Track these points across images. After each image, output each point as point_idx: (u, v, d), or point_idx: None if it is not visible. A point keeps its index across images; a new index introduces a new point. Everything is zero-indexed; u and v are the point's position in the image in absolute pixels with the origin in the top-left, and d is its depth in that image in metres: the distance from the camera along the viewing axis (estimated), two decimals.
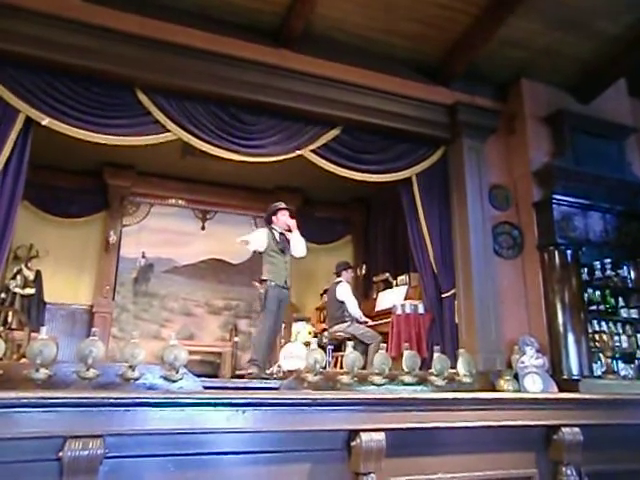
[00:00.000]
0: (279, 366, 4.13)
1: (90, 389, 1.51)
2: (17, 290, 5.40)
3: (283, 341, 5.14)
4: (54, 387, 1.50)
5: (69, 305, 5.77)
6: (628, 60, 4.54)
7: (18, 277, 5.48)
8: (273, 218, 4.06)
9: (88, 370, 1.55)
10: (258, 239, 3.96)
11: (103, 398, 1.30)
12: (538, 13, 4.02)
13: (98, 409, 1.29)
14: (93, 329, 1.70)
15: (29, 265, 5.60)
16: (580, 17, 4.10)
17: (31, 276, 5.54)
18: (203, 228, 6.53)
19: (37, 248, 5.67)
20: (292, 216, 4.06)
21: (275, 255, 3.90)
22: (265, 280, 3.83)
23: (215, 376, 5.33)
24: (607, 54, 4.48)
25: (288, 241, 3.98)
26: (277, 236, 3.98)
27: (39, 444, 1.26)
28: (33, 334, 4.26)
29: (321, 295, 5.96)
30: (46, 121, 3.53)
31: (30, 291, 5.48)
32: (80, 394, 1.32)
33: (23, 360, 3.16)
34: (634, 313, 4.51)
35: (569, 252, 4.33)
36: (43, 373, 1.52)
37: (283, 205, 4.11)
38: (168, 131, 3.84)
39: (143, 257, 6.18)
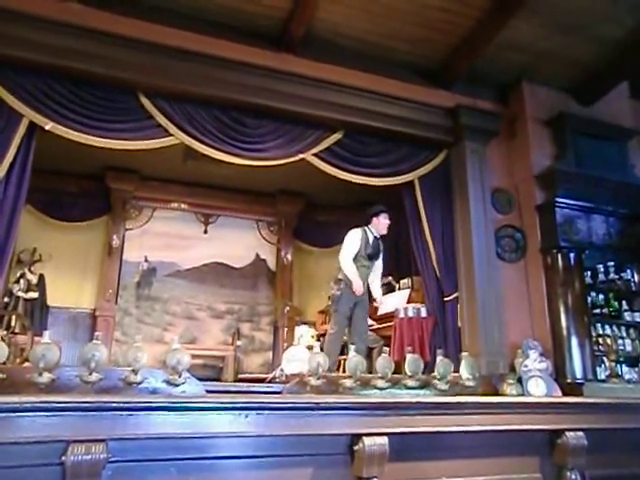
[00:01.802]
0: (282, 370, 4.27)
1: (93, 393, 1.51)
2: (20, 294, 5.43)
3: (286, 344, 5.14)
4: (57, 391, 1.51)
5: (72, 309, 5.79)
6: (630, 63, 4.54)
7: (21, 281, 5.51)
8: (373, 219, 4.01)
9: (91, 374, 1.56)
10: (353, 243, 3.90)
11: (106, 402, 1.30)
12: (540, 16, 4.03)
13: (101, 413, 1.29)
14: (96, 333, 1.71)
15: (32, 269, 5.63)
16: (582, 20, 4.11)
17: (34, 280, 5.57)
18: (205, 232, 6.55)
19: (40, 252, 5.69)
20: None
21: (360, 259, 3.85)
22: (341, 280, 3.80)
23: (218, 380, 5.32)
24: (609, 57, 4.49)
25: (379, 248, 3.94)
26: (370, 239, 3.94)
27: (42, 448, 1.26)
28: (36, 338, 4.22)
29: (328, 298, 5.89)
30: (49, 125, 3.55)
31: (33, 295, 5.51)
32: (83, 398, 1.31)
33: (26, 364, 3.19)
34: (638, 316, 4.50)
35: (572, 255, 4.31)
36: (46, 377, 1.52)
37: (386, 210, 4.07)
38: (170, 135, 3.86)
39: (146, 261, 6.19)
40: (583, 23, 4.13)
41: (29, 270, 5.58)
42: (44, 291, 5.61)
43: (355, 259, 3.84)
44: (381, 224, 3.98)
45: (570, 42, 4.33)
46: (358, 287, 3.80)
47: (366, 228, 4.01)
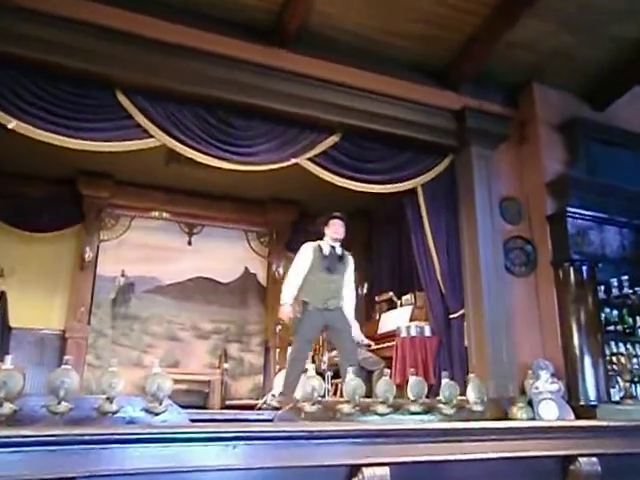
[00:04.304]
0: (273, 395, 4.19)
1: (62, 425, 1.49)
2: None
3: (278, 367, 5.11)
4: (20, 424, 1.49)
5: (38, 330, 5.66)
6: None
7: None
8: (325, 228, 3.91)
9: (60, 404, 1.53)
10: (299, 260, 3.84)
11: (76, 435, 1.28)
12: (551, 14, 4.09)
13: (71, 447, 1.26)
14: (66, 357, 1.70)
15: None
16: (595, 19, 4.17)
17: None
18: (190, 243, 6.51)
19: (1, 266, 5.55)
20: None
21: (315, 272, 3.76)
22: (305, 302, 3.75)
23: (203, 407, 5.28)
24: (624, 58, 4.57)
25: (340, 258, 3.82)
26: (326, 251, 3.84)
27: None
28: None
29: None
30: (13, 124, 3.45)
31: None
32: (50, 431, 1.30)
33: None
34: None
35: (585, 268, 4.35)
36: (8, 408, 1.50)
37: (340, 215, 3.98)
38: (151, 136, 3.83)
39: (123, 276, 6.13)
40: (597, 21, 4.20)
41: None
42: (5, 311, 5.44)
43: (312, 275, 3.77)
44: (332, 230, 3.87)
45: (583, 41, 4.40)
46: (281, 312, 3.75)
47: (320, 241, 3.93)
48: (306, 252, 3.88)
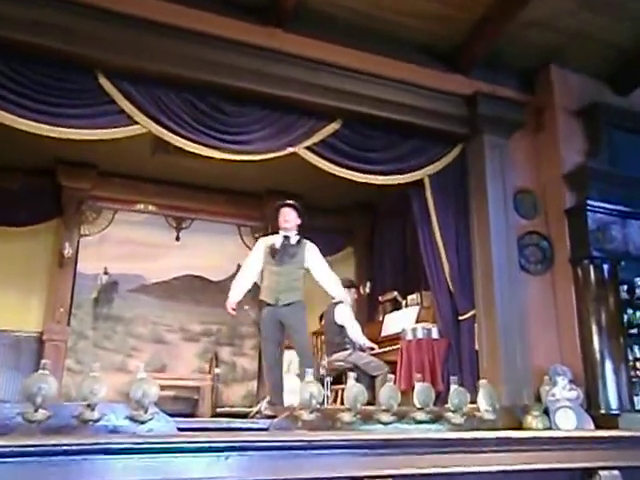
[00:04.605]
0: (268, 402, 4.10)
1: (39, 434, 1.48)
2: None
3: None
4: None
5: (13, 332, 5.66)
6: None
7: None
8: (279, 220, 3.96)
9: (37, 411, 1.53)
10: (251, 255, 3.97)
11: (55, 445, 1.28)
12: None
13: (49, 459, 1.26)
14: (43, 361, 1.68)
15: None
16: None
17: None
18: (178, 239, 6.52)
19: None
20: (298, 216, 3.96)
21: (267, 266, 3.86)
22: (262, 301, 3.85)
23: (192, 415, 5.28)
24: None
25: (296, 248, 3.85)
26: (278, 242, 3.89)
27: None
28: None
29: (319, 319, 5.96)
30: None
31: None
32: (26, 441, 1.29)
33: None
34: None
35: (606, 267, 4.36)
36: None
37: (288, 202, 4.00)
38: (136, 123, 3.83)
39: (105, 273, 6.12)
40: None
41: None
42: None
43: (265, 270, 3.88)
44: (281, 219, 3.93)
45: (605, 21, 4.39)
46: (227, 303, 3.91)
47: (276, 234, 4.02)
48: (256, 247, 4.02)
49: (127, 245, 6.21)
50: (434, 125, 4.52)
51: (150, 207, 6.42)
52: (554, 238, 4.61)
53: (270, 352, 3.80)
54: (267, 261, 3.86)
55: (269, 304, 3.77)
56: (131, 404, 1.65)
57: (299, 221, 3.97)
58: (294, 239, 3.91)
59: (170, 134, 3.89)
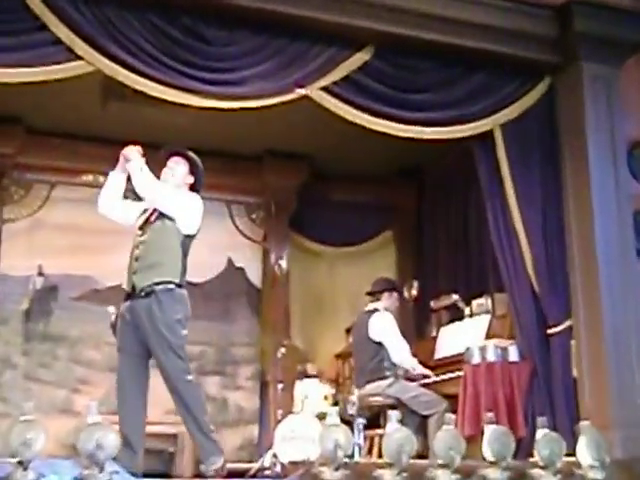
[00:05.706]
0: (274, 455, 4.39)
1: None
2: None
3: (281, 412, 5.31)
4: None
5: None
6: None
7: None
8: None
9: None
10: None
11: None
12: None
13: None
14: None
15: None
16: None
17: None
18: None
19: None
20: (191, 171, 3.98)
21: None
22: None
23: (167, 476, 5.29)
24: None
25: (156, 210, 3.86)
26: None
27: None
28: None
29: (347, 332, 6.01)
30: None
31: None
32: None
33: None
34: None
35: None
36: None
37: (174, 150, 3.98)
38: (79, 58, 3.84)
39: (40, 275, 6.14)
40: None
41: None
42: None
43: None
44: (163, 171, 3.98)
45: None
46: None
47: None
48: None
49: (70, 233, 6.17)
50: (508, 51, 4.52)
51: (101, 179, 5.97)
52: None
53: (128, 371, 3.84)
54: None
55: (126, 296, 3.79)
56: (81, 460, 1.75)
57: (191, 179, 4.01)
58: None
59: (127, 72, 3.92)
